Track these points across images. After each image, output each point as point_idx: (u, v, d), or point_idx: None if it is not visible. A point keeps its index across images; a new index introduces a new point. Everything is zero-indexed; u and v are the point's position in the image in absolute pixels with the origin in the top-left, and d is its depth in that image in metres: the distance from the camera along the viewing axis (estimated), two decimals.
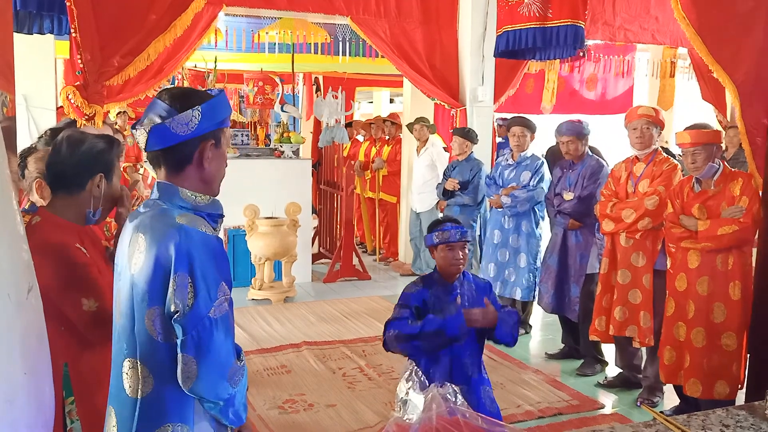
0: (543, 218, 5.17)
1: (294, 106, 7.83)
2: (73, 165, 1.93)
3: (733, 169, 3.46)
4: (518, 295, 5.07)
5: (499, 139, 7.09)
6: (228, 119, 1.61)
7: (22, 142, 2.35)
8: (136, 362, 1.49)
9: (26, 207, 2.03)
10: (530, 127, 5.12)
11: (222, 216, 1.63)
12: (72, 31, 4.60)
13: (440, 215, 6.15)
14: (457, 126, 6.11)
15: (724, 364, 3.33)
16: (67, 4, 4.52)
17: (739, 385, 3.40)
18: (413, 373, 1.01)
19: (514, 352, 4.78)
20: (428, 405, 0.97)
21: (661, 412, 3.35)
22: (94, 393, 1.90)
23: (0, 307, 0.86)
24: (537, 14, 5.12)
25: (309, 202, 6.85)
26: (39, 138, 2.21)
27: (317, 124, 8.96)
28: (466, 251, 2.62)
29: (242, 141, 7.04)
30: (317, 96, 8.87)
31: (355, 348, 4.78)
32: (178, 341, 1.43)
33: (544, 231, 5.16)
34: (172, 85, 7.48)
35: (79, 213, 1.97)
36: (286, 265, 6.10)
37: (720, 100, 7.20)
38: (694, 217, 3.40)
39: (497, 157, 6.17)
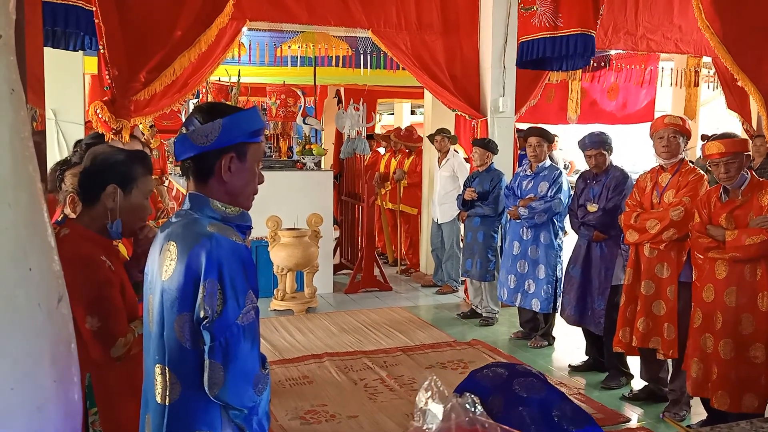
0: (563, 229, 5.12)
1: (315, 118, 7.90)
2: (89, 176, 1.94)
3: (761, 179, 3.41)
4: (537, 307, 5.03)
5: (520, 151, 7.07)
6: (257, 134, 1.60)
7: (51, 157, 2.39)
8: (165, 368, 1.52)
9: (59, 219, 2.06)
10: (547, 138, 5.09)
11: (250, 227, 1.65)
12: (100, 47, 4.72)
13: (461, 226, 6.14)
14: (478, 137, 6.10)
15: (753, 377, 3.26)
16: (96, 21, 4.63)
17: None
18: (433, 383, 1.02)
19: (537, 363, 4.74)
20: (447, 415, 0.97)
21: (688, 426, 3.30)
22: (118, 404, 1.90)
23: (31, 317, 0.89)
24: (548, 24, 5.15)
25: (331, 213, 6.88)
26: (75, 152, 2.22)
27: (339, 135, 9.02)
28: None
29: (265, 153, 7.11)
30: (339, 108, 8.93)
31: (376, 359, 4.78)
32: (206, 347, 1.46)
33: (565, 241, 5.11)
34: (197, 99, 7.61)
35: (101, 225, 1.95)
36: (307, 276, 6.13)
37: (745, 109, 7.11)
38: (721, 227, 3.35)
39: (518, 167, 6.15)
